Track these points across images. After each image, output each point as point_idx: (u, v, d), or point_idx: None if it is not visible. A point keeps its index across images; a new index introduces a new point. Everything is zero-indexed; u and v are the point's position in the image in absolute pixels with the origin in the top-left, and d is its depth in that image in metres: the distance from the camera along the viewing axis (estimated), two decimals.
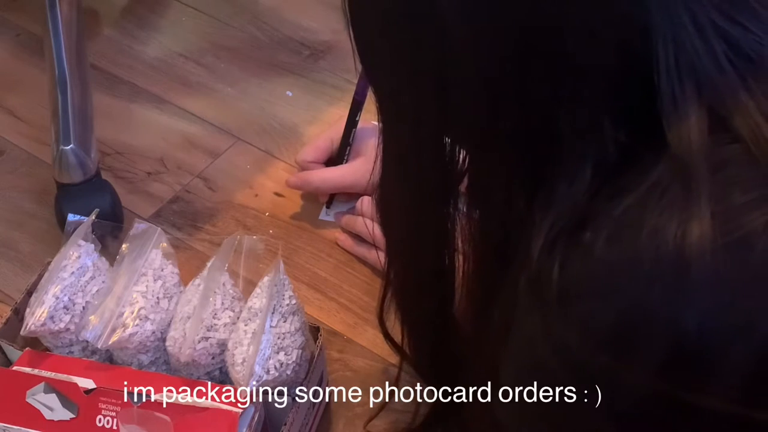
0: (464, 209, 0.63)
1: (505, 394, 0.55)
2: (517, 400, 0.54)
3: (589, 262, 0.48)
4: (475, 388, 0.64)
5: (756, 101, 0.48)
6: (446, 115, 0.56)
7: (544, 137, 0.52)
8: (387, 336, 0.79)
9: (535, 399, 0.52)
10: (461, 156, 0.60)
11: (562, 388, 0.50)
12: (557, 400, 0.50)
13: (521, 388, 0.53)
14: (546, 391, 0.51)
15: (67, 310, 0.81)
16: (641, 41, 0.49)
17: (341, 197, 1.04)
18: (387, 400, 0.82)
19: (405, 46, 0.54)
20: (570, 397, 0.49)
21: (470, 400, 0.68)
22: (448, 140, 0.59)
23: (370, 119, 1.03)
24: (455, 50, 0.52)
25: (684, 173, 0.47)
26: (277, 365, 0.76)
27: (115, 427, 0.75)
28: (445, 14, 0.51)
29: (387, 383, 0.83)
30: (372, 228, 0.93)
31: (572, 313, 0.48)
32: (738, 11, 0.50)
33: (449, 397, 0.76)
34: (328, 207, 1.05)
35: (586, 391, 0.49)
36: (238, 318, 0.79)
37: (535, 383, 0.52)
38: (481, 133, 0.56)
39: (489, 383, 0.58)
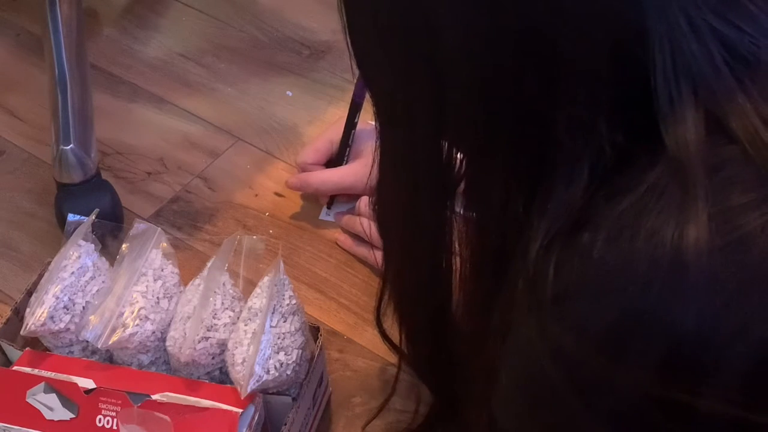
0: (461, 211, 0.63)
1: (503, 396, 0.55)
2: (514, 402, 0.54)
3: (585, 263, 0.48)
4: (473, 389, 0.64)
5: (753, 103, 0.48)
6: (442, 119, 0.56)
7: (541, 139, 0.52)
8: (385, 336, 0.79)
9: (532, 401, 0.52)
10: (458, 159, 0.60)
11: (558, 390, 0.50)
12: (554, 402, 0.50)
13: (519, 389, 0.53)
14: (543, 393, 0.51)
15: (67, 310, 0.81)
16: (637, 44, 0.49)
17: (342, 198, 1.04)
18: (387, 400, 0.82)
19: (400, 51, 0.55)
20: (567, 400, 0.49)
21: (469, 401, 0.68)
22: (445, 144, 0.59)
23: (369, 120, 1.03)
24: (450, 54, 0.52)
25: (681, 175, 0.47)
26: (277, 365, 0.76)
27: (115, 427, 0.75)
28: (440, 19, 0.51)
29: (387, 383, 0.83)
30: (370, 229, 0.93)
31: (568, 314, 0.48)
32: (734, 14, 0.50)
33: (448, 398, 0.76)
34: (328, 208, 1.05)
35: (582, 394, 0.49)
36: (238, 318, 0.79)
37: (532, 385, 0.52)
38: (478, 136, 0.56)
39: (487, 385, 0.58)
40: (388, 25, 0.54)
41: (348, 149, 1.03)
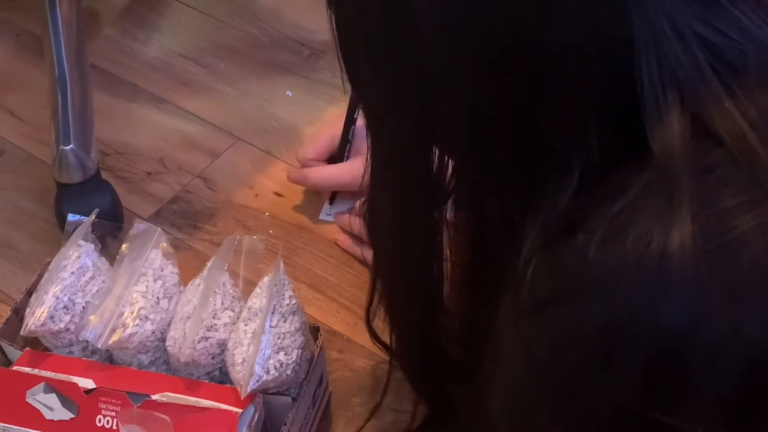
0: (452, 217, 0.63)
1: (500, 399, 0.55)
2: (511, 407, 0.54)
3: (580, 265, 0.48)
4: (470, 391, 0.64)
5: (740, 108, 0.48)
6: (432, 129, 0.57)
7: (532, 145, 0.52)
8: (376, 338, 0.79)
9: (526, 409, 0.52)
10: (449, 168, 0.60)
11: (541, 396, 0.50)
12: (549, 412, 0.50)
13: (516, 392, 0.53)
14: (537, 403, 0.51)
15: (67, 310, 0.81)
16: (624, 51, 0.49)
17: (345, 194, 1.04)
18: (380, 402, 0.82)
19: (387, 62, 0.55)
20: (549, 407, 0.50)
21: (466, 402, 0.68)
22: (436, 153, 0.59)
23: None
24: (437, 68, 0.52)
25: (666, 180, 0.47)
26: (277, 365, 0.76)
27: (115, 427, 0.75)
28: (426, 33, 0.51)
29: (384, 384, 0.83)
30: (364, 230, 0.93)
31: (560, 316, 0.48)
32: (719, 20, 0.50)
33: (439, 402, 0.76)
34: (330, 204, 1.05)
35: (556, 401, 0.49)
36: (238, 318, 0.79)
37: (526, 393, 0.52)
38: (468, 145, 0.56)
39: (485, 387, 0.58)
40: (375, 38, 0.55)
41: (348, 145, 1.03)
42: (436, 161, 0.59)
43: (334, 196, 1.04)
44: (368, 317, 0.77)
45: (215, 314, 0.79)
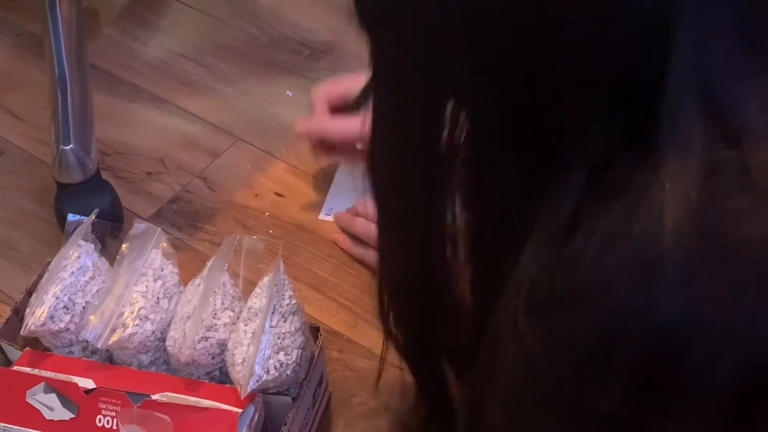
0: (459, 212, 0.63)
1: (497, 399, 0.55)
2: (508, 407, 0.54)
3: (578, 268, 0.48)
4: (469, 390, 0.64)
5: (753, 113, 0.47)
6: (438, 124, 0.56)
7: (532, 147, 0.52)
8: (390, 335, 0.79)
9: (524, 407, 0.52)
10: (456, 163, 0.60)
11: (539, 397, 0.50)
12: (538, 412, 0.50)
13: (510, 393, 0.53)
14: (530, 399, 0.51)
15: (67, 310, 0.81)
16: (626, 50, 0.48)
17: (340, 192, 1.03)
18: (373, 399, 0.82)
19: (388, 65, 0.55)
20: (547, 408, 0.50)
21: (466, 400, 0.68)
22: (440, 150, 0.59)
23: None
24: (436, 68, 0.52)
25: (671, 181, 0.46)
26: (277, 365, 0.76)
27: (115, 427, 0.75)
28: (426, 34, 0.51)
29: (387, 383, 0.83)
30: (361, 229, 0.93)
31: (558, 319, 0.48)
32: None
33: (436, 396, 0.75)
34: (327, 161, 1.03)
35: (554, 402, 0.49)
36: (238, 318, 0.79)
37: (522, 389, 0.52)
38: (473, 140, 0.56)
39: (482, 387, 0.57)
40: (393, 13, 0.54)
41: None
42: (440, 155, 0.59)
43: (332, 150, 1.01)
44: (382, 311, 0.76)
45: (215, 314, 0.79)
